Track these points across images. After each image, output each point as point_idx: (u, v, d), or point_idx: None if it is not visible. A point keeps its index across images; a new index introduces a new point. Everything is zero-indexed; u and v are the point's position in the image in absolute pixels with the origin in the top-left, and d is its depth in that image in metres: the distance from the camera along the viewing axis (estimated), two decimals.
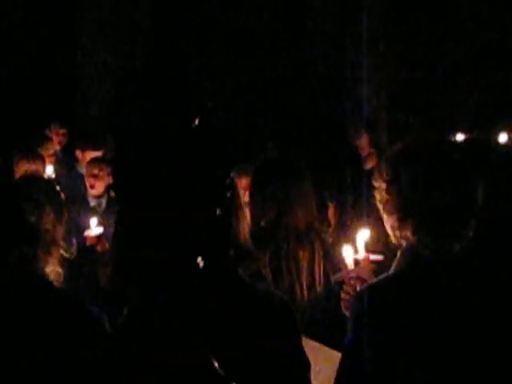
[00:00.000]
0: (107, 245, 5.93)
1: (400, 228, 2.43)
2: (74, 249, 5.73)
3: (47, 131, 8.02)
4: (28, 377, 2.20)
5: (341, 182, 4.13)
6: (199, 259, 1.94)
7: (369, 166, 6.80)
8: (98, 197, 6.56)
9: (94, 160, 6.77)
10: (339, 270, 3.50)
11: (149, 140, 1.97)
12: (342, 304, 2.90)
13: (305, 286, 3.65)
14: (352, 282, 2.96)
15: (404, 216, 2.39)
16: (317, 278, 3.68)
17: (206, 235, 1.95)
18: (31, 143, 6.81)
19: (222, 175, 1.99)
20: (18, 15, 9.57)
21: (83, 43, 9.86)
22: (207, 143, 1.99)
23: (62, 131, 8.22)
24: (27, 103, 9.36)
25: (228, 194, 1.99)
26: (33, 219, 2.27)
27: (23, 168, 6.12)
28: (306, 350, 2.25)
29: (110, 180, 6.73)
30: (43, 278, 2.31)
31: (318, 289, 3.68)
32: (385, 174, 2.45)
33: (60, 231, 2.34)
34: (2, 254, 2.26)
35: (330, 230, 4.59)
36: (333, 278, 2.96)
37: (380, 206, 2.50)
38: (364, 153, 7.11)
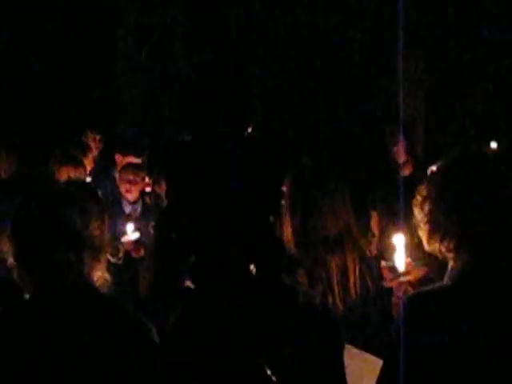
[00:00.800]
0: (143, 251, 5.95)
1: (444, 243, 2.44)
2: (121, 254, 5.75)
3: (84, 137, 8.09)
4: None
5: (384, 190, 4.11)
6: (252, 266, 1.96)
7: (405, 173, 6.77)
8: (133, 202, 6.59)
9: (129, 165, 6.82)
10: (380, 277, 3.50)
11: (206, 148, 1.99)
12: (393, 309, 2.89)
13: (337, 293, 3.64)
14: (403, 287, 2.94)
15: (448, 232, 2.40)
16: (351, 285, 3.67)
17: (263, 242, 1.96)
18: (74, 149, 6.87)
19: (277, 183, 2.00)
20: (58, 19, 9.65)
21: (121, 48, 9.93)
22: (263, 150, 2.00)
23: (98, 137, 8.28)
24: (64, 109, 9.44)
25: (282, 202, 2.01)
26: (79, 225, 2.29)
27: (66, 174, 6.17)
28: (349, 356, 2.25)
29: (144, 186, 6.76)
30: (89, 284, 2.32)
31: (353, 296, 3.66)
32: (426, 192, 2.46)
33: (106, 236, 2.36)
34: (48, 260, 2.27)
35: (374, 239, 4.56)
36: (384, 284, 2.95)
37: (421, 222, 2.51)
38: (400, 160, 7.08)
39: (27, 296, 2.40)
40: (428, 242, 2.46)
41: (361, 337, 3.34)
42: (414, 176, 6.32)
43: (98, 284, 2.33)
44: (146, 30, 9.78)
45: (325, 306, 2.22)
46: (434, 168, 2.54)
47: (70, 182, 2.51)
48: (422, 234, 2.49)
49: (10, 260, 2.34)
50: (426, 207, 2.43)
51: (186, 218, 2.00)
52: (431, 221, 2.42)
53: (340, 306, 3.60)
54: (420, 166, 6.30)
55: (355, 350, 2.95)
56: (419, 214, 2.47)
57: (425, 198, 2.45)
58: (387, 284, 2.94)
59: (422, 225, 2.46)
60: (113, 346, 2.22)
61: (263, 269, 2.00)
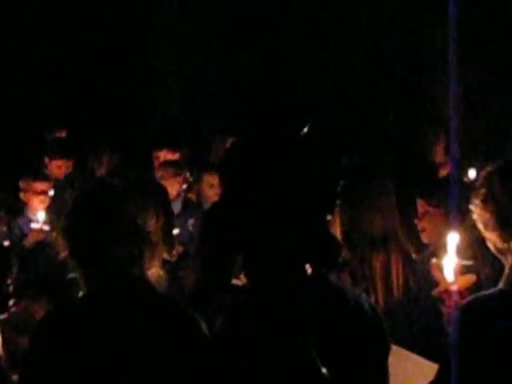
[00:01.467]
0: (181, 248, 5.97)
1: (503, 243, 2.45)
2: (175, 251, 5.77)
3: None
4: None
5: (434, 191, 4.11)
6: (307, 266, 1.97)
7: (443, 173, 6.75)
8: (172, 199, 6.60)
9: (165, 163, 6.85)
10: (422, 279, 3.51)
11: (262, 147, 2.00)
12: (444, 318, 2.88)
13: (380, 292, 3.65)
14: (453, 295, 2.93)
15: (505, 232, 2.41)
16: (394, 285, 3.68)
17: (319, 241, 1.98)
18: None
19: (334, 182, 2.01)
20: (96, 17, 9.72)
21: (158, 44, 9.98)
22: (320, 150, 2.01)
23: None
24: (105, 104, 9.52)
25: (338, 201, 2.02)
26: (140, 221, 2.30)
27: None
28: (395, 357, 2.26)
29: (183, 183, 6.77)
30: (147, 281, 2.33)
31: (395, 296, 3.67)
32: (482, 192, 2.47)
33: (162, 233, 2.37)
34: (109, 256, 2.28)
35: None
36: (433, 293, 2.94)
37: (480, 223, 2.52)
38: (439, 160, 7.06)
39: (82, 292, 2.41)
40: (498, 242, 2.46)
41: (403, 337, 3.35)
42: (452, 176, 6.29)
43: (153, 280, 2.34)
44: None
45: (372, 305, 2.22)
46: (489, 169, 2.55)
47: (130, 179, 2.50)
48: (490, 235, 2.49)
49: (63, 255, 2.37)
50: (489, 207, 2.44)
51: (240, 215, 2.02)
52: (499, 220, 2.42)
53: (382, 306, 3.61)
54: (457, 167, 6.28)
55: (402, 351, 2.95)
56: (482, 215, 2.48)
57: (486, 198, 2.45)
58: (436, 294, 2.94)
59: (488, 225, 2.47)
60: (168, 343, 2.23)
61: (319, 267, 2.01)
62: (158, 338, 2.22)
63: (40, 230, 5.67)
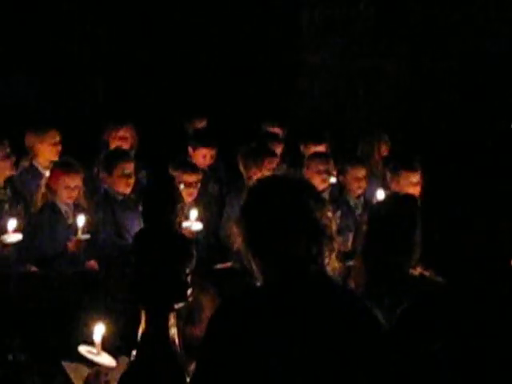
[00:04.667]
0: None
1: None
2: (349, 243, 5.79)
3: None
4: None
5: None
6: None
7: None
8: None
9: (314, 155, 6.80)
10: None
11: None
12: None
13: None
14: None
15: None
16: None
17: None
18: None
19: None
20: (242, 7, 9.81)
21: (305, 41, 9.99)
22: None
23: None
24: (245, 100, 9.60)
25: None
26: (318, 215, 2.28)
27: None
28: None
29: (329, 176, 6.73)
30: (325, 274, 2.30)
31: None
32: None
33: (335, 226, 2.35)
34: (291, 250, 2.27)
35: None
36: None
37: None
38: None
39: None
40: None
41: None
42: None
43: (330, 273, 2.31)
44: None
45: None
46: None
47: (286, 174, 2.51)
48: None
49: (238, 245, 2.36)
50: None
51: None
52: None
53: None
54: None
55: None
56: None
57: None
58: None
59: None
60: (347, 336, 2.20)
61: None
62: (336, 330, 2.20)
63: (190, 232, 5.62)
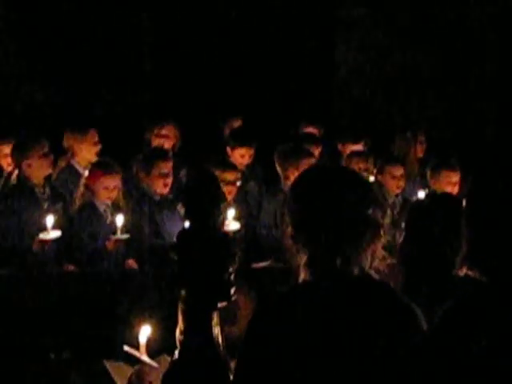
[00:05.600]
0: None
1: None
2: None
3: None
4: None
5: None
6: None
7: None
8: None
9: (352, 154, 6.82)
10: None
11: None
12: None
13: None
14: None
15: None
16: None
17: None
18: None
19: None
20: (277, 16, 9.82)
21: (340, 44, 9.97)
22: None
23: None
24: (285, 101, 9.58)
25: None
26: (371, 210, 2.25)
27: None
28: None
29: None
30: (374, 275, 2.27)
31: None
32: None
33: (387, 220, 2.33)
34: (341, 244, 2.25)
35: None
36: None
37: None
38: None
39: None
40: None
41: None
42: None
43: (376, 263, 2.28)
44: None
45: None
46: None
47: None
48: None
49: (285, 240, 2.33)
50: None
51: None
52: None
53: None
54: None
55: None
56: None
57: None
58: None
59: None
60: (389, 333, 2.17)
61: None
62: (381, 330, 2.16)
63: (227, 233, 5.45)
